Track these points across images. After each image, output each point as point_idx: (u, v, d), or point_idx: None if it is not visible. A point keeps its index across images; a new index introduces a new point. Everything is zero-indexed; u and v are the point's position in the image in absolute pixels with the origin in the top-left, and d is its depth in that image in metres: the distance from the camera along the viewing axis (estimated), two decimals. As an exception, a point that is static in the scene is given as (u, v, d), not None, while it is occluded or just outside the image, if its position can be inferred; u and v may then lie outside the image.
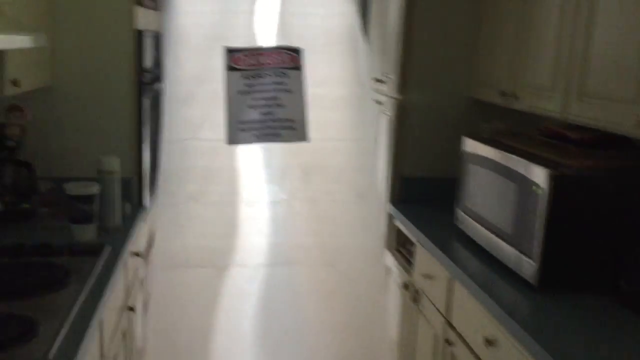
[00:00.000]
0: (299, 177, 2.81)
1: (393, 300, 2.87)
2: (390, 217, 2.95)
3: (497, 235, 2.16)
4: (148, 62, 2.80)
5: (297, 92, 2.76)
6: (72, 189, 2.16)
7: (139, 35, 2.62)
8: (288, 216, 2.82)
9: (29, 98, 2.30)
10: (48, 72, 2.41)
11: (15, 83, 1.97)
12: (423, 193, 2.87)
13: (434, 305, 2.34)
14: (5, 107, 2.20)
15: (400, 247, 2.88)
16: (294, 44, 2.76)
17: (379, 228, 2.91)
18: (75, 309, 1.67)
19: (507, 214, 2.10)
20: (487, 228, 2.24)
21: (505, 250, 2.10)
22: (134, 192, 2.67)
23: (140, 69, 2.64)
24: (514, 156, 2.09)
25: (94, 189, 2.20)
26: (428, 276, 2.40)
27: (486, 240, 2.24)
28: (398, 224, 2.85)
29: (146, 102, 2.74)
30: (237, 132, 2.72)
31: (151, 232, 2.81)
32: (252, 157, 2.81)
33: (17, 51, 1.97)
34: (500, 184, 2.17)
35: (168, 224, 2.72)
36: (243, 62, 2.73)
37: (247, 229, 2.80)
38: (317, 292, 2.83)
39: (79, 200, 2.16)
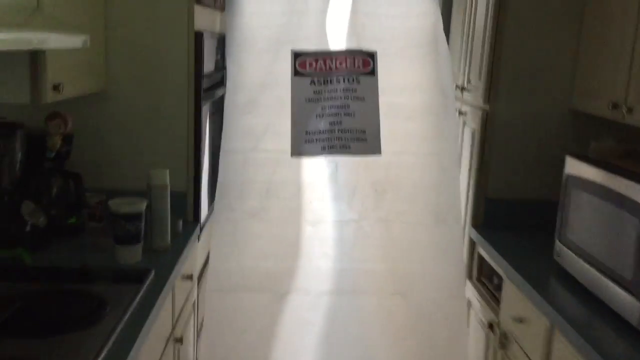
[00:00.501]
0: (370, 195, 2.56)
1: (474, 338, 2.52)
2: (473, 244, 2.61)
3: (611, 279, 1.77)
4: (209, 66, 2.58)
5: (369, 100, 2.51)
6: (117, 206, 1.95)
7: (199, 36, 2.40)
8: (356, 238, 2.57)
9: (77, 104, 2.12)
10: (98, 77, 2.22)
11: (56, 88, 1.78)
12: (511, 217, 2.52)
13: (528, 357, 1.97)
14: (45, 115, 2.01)
15: (484, 278, 2.53)
16: (368, 47, 2.50)
17: (459, 255, 2.58)
18: (105, 351, 1.45)
19: (625, 254, 1.72)
20: (596, 268, 1.86)
21: (622, 299, 1.71)
22: (188, 207, 2.45)
23: (199, 74, 2.42)
24: (634, 183, 1.70)
25: (141, 206, 1.98)
26: (520, 319, 2.04)
27: (595, 282, 1.86)
28: (481, 251, 2.50)
29: (205, 110, 2.52)
30: (303, 143, 2.50)
31: (207, 251, 2.58)
32: (318, 171, 2.56)
33: (59, 53, 1.78)
34: (614, 216, 1.78)
35: (224, 242, 2.53)
36: (311, 67, 2.51)
37: (310, 251, 2.57)
38: (387, 325, 2.57)
39: (123, 218, 1.94)
